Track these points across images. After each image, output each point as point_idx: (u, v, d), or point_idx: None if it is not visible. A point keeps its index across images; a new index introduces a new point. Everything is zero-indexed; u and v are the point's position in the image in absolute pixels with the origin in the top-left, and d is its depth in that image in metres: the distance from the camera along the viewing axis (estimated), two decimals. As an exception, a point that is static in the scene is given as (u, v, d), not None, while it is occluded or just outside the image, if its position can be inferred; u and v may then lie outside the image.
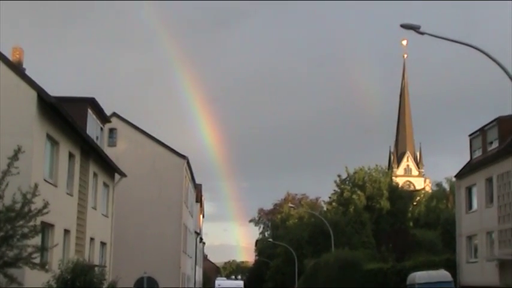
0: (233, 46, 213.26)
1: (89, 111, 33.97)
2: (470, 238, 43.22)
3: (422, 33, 21.74)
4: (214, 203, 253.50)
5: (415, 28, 21.56)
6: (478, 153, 43.34)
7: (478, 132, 43.44)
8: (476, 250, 42.13)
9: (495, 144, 40.76)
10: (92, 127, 34.63)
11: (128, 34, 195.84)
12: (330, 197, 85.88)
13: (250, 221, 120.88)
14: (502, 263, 37.74)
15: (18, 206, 18.72)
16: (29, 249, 19.20)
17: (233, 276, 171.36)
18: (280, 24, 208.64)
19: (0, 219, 18.21)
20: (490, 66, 22.32)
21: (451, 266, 41.01)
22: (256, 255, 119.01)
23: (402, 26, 21.50)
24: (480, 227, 41.15)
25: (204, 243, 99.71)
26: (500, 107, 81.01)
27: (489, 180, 40.12)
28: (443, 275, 34.08)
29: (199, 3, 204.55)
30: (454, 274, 38.90)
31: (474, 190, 42.83)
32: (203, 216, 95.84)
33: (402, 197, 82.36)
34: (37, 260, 20.60)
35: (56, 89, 25.30)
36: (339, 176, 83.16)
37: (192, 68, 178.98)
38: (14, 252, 18.58)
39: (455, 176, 47.29)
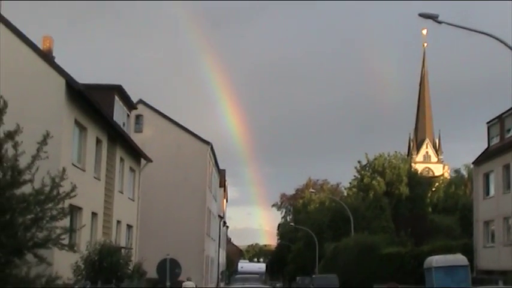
0: (256, 36, 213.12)
1: (116, 98, 34.14)
2: (487, 223, 43.03)
3: (440, 22, 21.58)
4: (237, 188, 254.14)
5: (433, 17, 21.41)
6: (495, 141, 43.09)
7: (495, 120, 43.16)
8: (493, 235, 41.96)
9: (512, 132, 40.52)
10: (119, 113, 34.82)
11: (153, 24, 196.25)
12: (350, 183, 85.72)
13: (273, 205, 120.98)
14: (518, 248, 37.62)
15: (47, 189, 18.87)
16: (58, 231, 19.33)
17: (255, 259, 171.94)
18: (301, 15, 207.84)
19: (30, 202, 18.33)
20: (508, 54, 22.13)
21: (468, 251, 40.83)
22: (278, 239, 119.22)
23: (420, 15, 21.35)
24: (497, 213, 40.96)
25: (227, 226, 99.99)
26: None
27: (506, 167, 39.89)
28: (460, 259, 33.91)
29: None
30: (471, 259, 38.74)
31: (491, 176, 42.62)
32: (227, 201, 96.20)
33: (421, 183, 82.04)
34: (65, 242, 20.78)
35: (84, 76, 25.48)
36: (359, 162, 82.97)
37: (216, 57, 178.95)
38: (44, 233, 18.74)
39: (473, 163, 47.06)
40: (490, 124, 44.03)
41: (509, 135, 40.98)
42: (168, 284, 27.50)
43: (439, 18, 21.51)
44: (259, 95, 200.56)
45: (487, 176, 43.62)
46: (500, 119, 42.31)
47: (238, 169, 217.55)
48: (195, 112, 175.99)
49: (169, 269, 27.46)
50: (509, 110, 41.11)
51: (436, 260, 34.25)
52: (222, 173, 75.17)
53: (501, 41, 22.28)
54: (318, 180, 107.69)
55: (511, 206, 38.72)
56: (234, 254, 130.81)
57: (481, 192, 44.11)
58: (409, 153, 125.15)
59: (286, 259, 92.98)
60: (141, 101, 52.17)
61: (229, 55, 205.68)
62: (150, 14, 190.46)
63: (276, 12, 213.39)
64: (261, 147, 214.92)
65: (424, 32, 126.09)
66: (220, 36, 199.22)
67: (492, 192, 42.51)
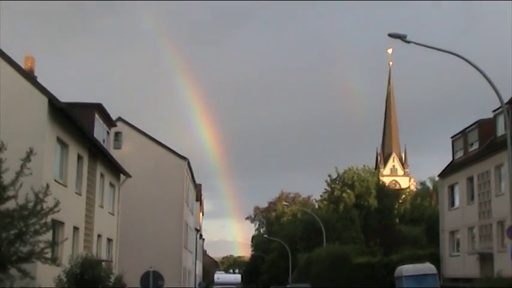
0: (229, 53, 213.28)
1: (96, 116, 33.91)
2: (452, 233, 43.29)
3: (408, 42, 21.76)
4: (212, 201, 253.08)
5: (401, 37, 21.58)
6: (459, 154, 43.42)
7: (459, 135, 43.53)
8: (458, 244, 42.21)
9: (475, 146, 40.85)
10: (99, 131, 34.58)
11: (129, 43, 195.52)
12: (321, 196, 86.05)
13: (247, 218, 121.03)
14: (482, 256, 37.85)
15: (30, 204, 18.69)
16: (41, 245, 19.17)
17: (231, 270, 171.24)
18: (272, 32, 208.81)
19: (14, 217, 18.17)
20: (472, 72, 22.37)
21: (435, 260, 41.03)
22: (252, 250, 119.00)
23: (390, 35, 21.51)
24: (462, 223, 41.23)
25: (203, 239, 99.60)
26: (481, 111, 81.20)
27: (470, 179, 40.21)
28: (428, 267, 34.09)
29: (197, 9, 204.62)
30: (438, 267, 38.90)
31: (456, 188, 42.93)
32: (203, 214, 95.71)
33: (389, 195, 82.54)
34: (48, 255, 20.57)
35: (63, 95, 25.26)
36: (329, 175, 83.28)
37: (190, 74, 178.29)
38: (27, 248, 18.55)
39: (438, 176, 47.37)
40: (454, 138, 44.38)
41: (472, 149, 41.32)
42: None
43: (407, 38, 21.69)
44: (231, 111, 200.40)
45: (452, 188, 43.92)
46: (464, 133, 42.68)
47: (213, 183, 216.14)
48: (172, 129, 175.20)
49: (153, 281, 27.20)
50: (472, 125, 41.50)
51: (406, 269, 34.38)
52: (198, 187, 74.87)
53: (465, 60, 22.51)
54: (290, 193, 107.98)
55: (475, 216, 39.04)
56: (210, 265, 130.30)
57: (447, 203, 44.39)
58: (377, 167, 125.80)
59: (260, 269, 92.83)
60: (120, 119, 51.87)
61: (203, 73, 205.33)
62: (126, 34, 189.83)
63: (248, 31, 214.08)
64: (235, 162, 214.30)
65: (390, 51, 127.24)
66: (195, 54, 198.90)
67: (457, 203, 42.79)
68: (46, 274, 22.05)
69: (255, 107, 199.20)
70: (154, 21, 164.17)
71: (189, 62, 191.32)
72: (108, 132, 38.14)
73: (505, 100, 23.65)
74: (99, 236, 33.87)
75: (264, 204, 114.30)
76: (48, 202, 19.58)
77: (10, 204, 18.39)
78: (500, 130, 37.02)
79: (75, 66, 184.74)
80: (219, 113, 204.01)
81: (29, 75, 25.47)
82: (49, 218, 20.15)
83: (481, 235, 38.34)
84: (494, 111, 37.47)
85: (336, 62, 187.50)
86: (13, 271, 18.40)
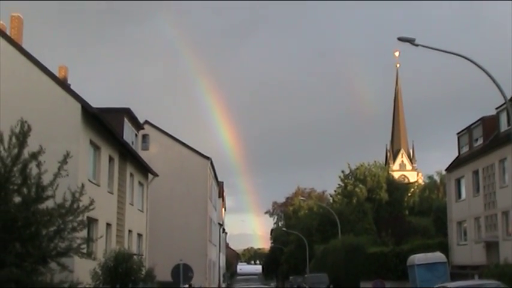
0: (247, 58, 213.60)
1: (125, 119, 34.05)
2: (460, 223, 43.03)
3: (416, 45, 21.58)
4: (233, 197, 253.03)
5: (410, 41, 21.42)
6: (465, 149, 43.17)
7: (465, 131, 43.28)
8: (465, 234, 41.95)
9: (480, 141, 40.61)
10: (128, 133, 34.73)
11: (155, 49, 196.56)
12: (335, 190, 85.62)
13: (266, 212, 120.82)
14: (488, 244, 37.64)
15: (67, 203, 18.80)
16: (78, 241, 19.26)
17: (252, 262, 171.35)
18: (286, 36, 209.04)
19: (53, 215, 18.27)
20: (476, 71, 22.19)
21: (444, 248, 40.80)
22: (271, 243, 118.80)
23: (399, 39, 21.36)
24: (468, 214, 40.99)
25: (226, 233, 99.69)
26: (484, 108, 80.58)
27: (475, 173, 39.96)
28: (438, 256, 33.89)
29: (215, 17, 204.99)
30: (447, 255, 38.67)
31: (462, 181, 42.66)
32: (225, 209, 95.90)
33: (398, 189, 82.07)
34: (84, 250, 20.68)
35: (92, 100, 25.44)
36: (342, 171, 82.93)
37: (211, 79, 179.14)
38: (65, 243, 18.65)
39: (445, 170, 47.09)
40: (460, 135, 44.12)
41: (477, 144, 41.07)
42: (182, 286, 27.30)
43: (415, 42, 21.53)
44: (250, 112, 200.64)
45: (458, 181, 43.65)
46: (469, 130, 42.42)
47: (234, 180, 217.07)
48: (196, 130, 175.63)
49: (183, 273, 27.23)
50: (476, 121, 41.24)
51: (418, 258, 34.20)
52: (220, 185, 74.97)
53: (470, 60, 22.33)
54: (305, 188, 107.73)
55: (480, 207, 38.81)
56: (232, 257, 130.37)
57: (454, 195, 44.13)
58: (387, 162, 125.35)
59: (280, 260, 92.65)
60: (147, 122, 52.08)
61: (223, 77, 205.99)
62: (151, 41, 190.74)
63: (265, 34, 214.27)
64: (253, 160, 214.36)
65: (397, 54, 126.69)
66: (215, 61, 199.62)
67: (463, 195, 42.53)
68: (83, 267, 22.18)
69: (271, 108, 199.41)
70: (175, 30, 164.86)
71: (209, 67, 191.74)
72: (136, 135, 38.28)
73: (508, 97, 23.40)
74: (130, 231, 34.00)
75: (281, 199, 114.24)
76: (84, 201, 19.70)
77: (49, 204, 18.51)
78: (503, 126, 36.87)
79: (101, 72, 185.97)
80: (239, 114, 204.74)
81: (63, 84, 25.71)
82: (84, 216, 20.28)
83: (487, 225, 38.11)
84: (497, 108, 37.28)
85: (346, 69, 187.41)
86: (53, 265, 18.51)
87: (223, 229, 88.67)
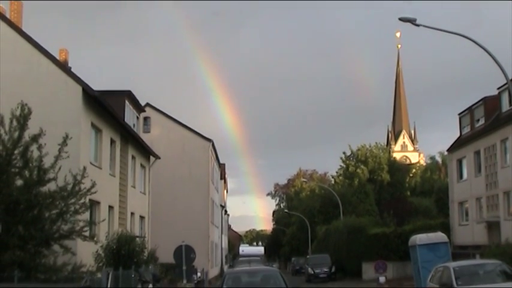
0: (248, 39, 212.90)
1: (126, 102, 34.03)
2: (461, 204, 43.06)
3: (418, 25, 21.45)
4: (235, 179, 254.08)
5: (411, 21, 21.30)
6: (466, 130, 43.10)
7: (466, 111, 43.17)
8: (467, 214, 41.99)
9: (481, 122, 40.51)
10: (129, 116, 34.72)
11: (154, 32, 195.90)
12: (336, 172, 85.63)
13: (267, 194, 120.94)
14: (489, 224, 37.67)
15: (69, 186, 18.86)
16: (81, 224, 19.38)
17: (254, 243, 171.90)
18: (289, 18, 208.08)
19: (56, 197, 18.35)
20: (478, 52, 22.07)
21: (446, 229, 40.76)
22: (273, 224, 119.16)
23: (400, 19, 21.23)
24: (470, 194, 41.00)
25: (228, 214, 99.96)
26: (486, 88, 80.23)
27: (477, 153, 39.91)
28: (440, 236, 33.81)
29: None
30: (448, 235, 38.67)
31: (464, 162, 42.62)
32: (227, 191, 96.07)
33: (400, 169, 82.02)
34: (87, 233, 20.78)
35: (93, 83, 25.41)
36: (344, 153, 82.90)
37: (212, 61, 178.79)
38: (68, 226, 18.75)
39: (447, 150, 47.03)
40: (462, 115, 44.02)
41: (478, 124, 40.99)
42: (184, 267, 27.37)
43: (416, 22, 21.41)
44: (251, 94, 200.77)
45: (460, 162, 43.62)
46: (471, 110, 42.31)
47: (235, 162, 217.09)
48: (197, 112, 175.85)
49: (185, 254, 27.29)
50: (478, 102, 41.12)
51: (419, 239, 34.15)
52: (222, 167, 75.00)
53: (471, 39, 22.22)
54: (307, 170, 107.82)
55: (482, 187, 38.82)
56: (235, 238, 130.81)
57: (455, 176, 44.11)
58: (388, 143, 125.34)
59: (282, 242, 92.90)
60: (148, 104, 51.97)
61: (224, 59, 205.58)
62: (150, 24, 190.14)
63: (266, 15, 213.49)
64: (255, 142, 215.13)
65: (398, 34, 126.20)
66: (216, 42, 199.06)
67: (465, 175, 42.50)
68: (85, 250, 22.28)
69: (273, 90, 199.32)
70: (177, 11, 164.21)
71: (210, 49, 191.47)
72: (137, 117, 38.27)
73: (510, 77, 23.29)
74: (132, 214, 34.11)
75: (283, 181, 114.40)
76: (86, 184, 19.76)
77: (51, 186, 18.57)
78: (505, 106, 36.76)
79: (101, 55, 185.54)
80: (240, 96, 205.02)
81: (64, 67, 25.64)
82: (87, 198, 20.35)
83: (488, 205, 38.14)
84: (498, 88, 37.13)
85: (348, 50, 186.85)
86: (56, 247, 18.61)
87: (225, 211, 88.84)
